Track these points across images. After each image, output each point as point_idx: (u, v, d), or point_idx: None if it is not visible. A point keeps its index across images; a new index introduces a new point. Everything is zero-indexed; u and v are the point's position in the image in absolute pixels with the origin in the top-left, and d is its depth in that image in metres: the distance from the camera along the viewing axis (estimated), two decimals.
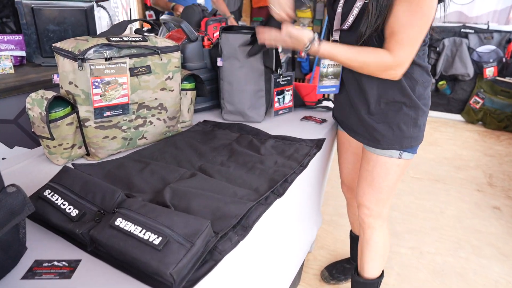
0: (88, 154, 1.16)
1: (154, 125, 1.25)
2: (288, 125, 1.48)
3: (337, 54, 1.09)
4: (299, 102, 1.66)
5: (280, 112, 1.57)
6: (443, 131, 3.90)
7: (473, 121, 4.07)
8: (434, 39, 3.93)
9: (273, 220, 0.97)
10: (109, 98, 1.09)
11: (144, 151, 1.19)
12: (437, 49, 3.92)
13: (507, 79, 3.81)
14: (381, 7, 1.00)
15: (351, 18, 1.09)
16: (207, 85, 1.46)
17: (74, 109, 1.08)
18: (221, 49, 1.42)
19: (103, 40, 1.06)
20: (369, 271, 1.46)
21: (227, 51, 1.40)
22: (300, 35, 1.10)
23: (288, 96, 1.57)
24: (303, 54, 1.13)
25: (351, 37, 1.12)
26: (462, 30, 3.89)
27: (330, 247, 2.06)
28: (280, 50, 3.40)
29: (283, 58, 4.28)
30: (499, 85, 3.87)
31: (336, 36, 1.19)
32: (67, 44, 1.05)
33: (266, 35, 1.15)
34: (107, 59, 1.05)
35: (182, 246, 0.68)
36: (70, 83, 1.06)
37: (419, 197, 2.62)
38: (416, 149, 1.23)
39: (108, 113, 1.11)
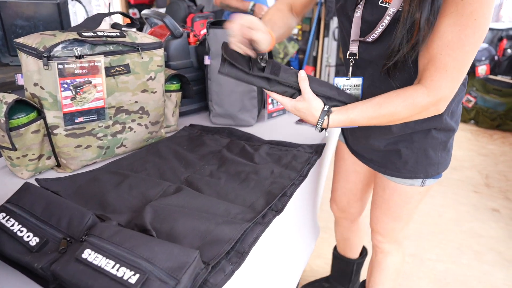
0: (58, 165, 1.03)
1: (135, 131, 1.11)
2: (283, 128, 1.36)
3: (356, 118, 0.85)
4: None
5: (274, 114, 1.45)
6: None
7: (465, 120, 4.01)
8: None
9: (272, 240, 0.85)
10: (81, 102, 0.95)
11: (122, 161, 1.05)
12: None
13: (499, 78, 3.76)
14: (425, 12, 0.73)
15: (379, 29, 0.83)
16: (193, 86, 1.33)
17: (41, 114, 0.94)
18: (208, 46, 1.29)
19: (74, 35, 0.92)
20: None
21: (215, 48, 1.27)
22: (307, 110, 0.86)
23: None
24: (317, 128, 0.89)
25: (375, 50, 0.88)
26: None
27: (327, 255, 1.95)
28: None
29: None
30: (491, 83, 3.81)
31: (354, 48, 0.93)
32: (31, 40, 0.91)
33: (274, 95, 0.90)
34: (78, 56, 0.91)
35: (164, 284, 0.56)
36: (35, 84, 0.91)
37: None
38: (442, 173, 1.04)
39: (80, 119, 0.97)
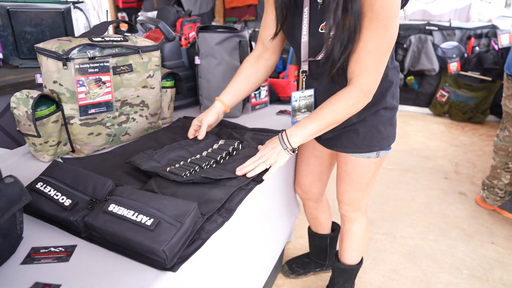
0: (73, 151, 1.20)
1: (137, 122, 1.30)
2: (265, 118, 1.55)
3: (312, 132, 1.07)
4: (274, 97, 1.74)
5: (257, 107, 1.64)
6: (413, 124, 4.08)
7: (440, 114, 4.27)
8: (401, 36, 4.10)
9: (254, 204, 1.04)
10: (93, 96, 1.13)
11: (127, 147, 1.24)
12: (404, 45, 4.09)
13: (469, 73, 4.03)
14: (349, 33, 0.97)
15: (326, 50, 1.05)
16: (185, 83, 1.52)
17: (59, 107, 1.12)
18: (198, 48, 1.48)
19: (86, 40, 1.11)
20: (349, 258, 1.54)
21: (204, 50, 1.46)
22: (271, 141, 1.09)
23: (263, 92, 1.65)
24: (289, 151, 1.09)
25: (322, 65, 1.11)
26: (427, 27, 4.09)
27: None
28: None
29: None
30: (462, 79, 4.08)
31: (305, 66, 1.17)
32: (50, 45, 1.09)
33: (247, 168, 1.04)
34: (90, 58, 1.10)
35: (172, 226, 0.75)
36: (55, 82, 1.09)
37: (391, 186, 2.75)
38: (391, 145, 1.27)
39: (92, 111, 1.15)
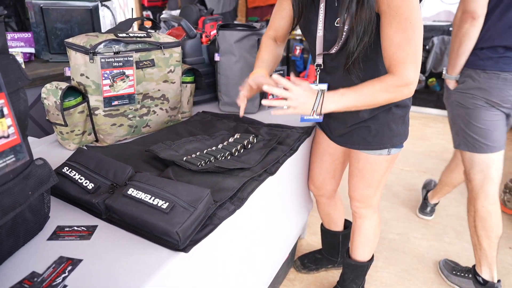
0: (97, 140, 1.27)
1: (157, 114, 1.36)
2: (281, 116, 1.59)
3: (347, 104, 1.04)
4: None
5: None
6: (432, 126, 4.03)
7: None
8: (423, 38, 4.06)
9: (266, 195, 1.08)
10: (117, 88, 1.20)
11: (148, 138, 1.30)
12: (427, 47, 4.04)
13: None
14: (365, 25, 1.00)
15: (340, 43, 1.09)
16: (205, 79, 1.57)
17: (85, 98, 1.19)
18: (218, 45, 1.53)
19: (112, 36, 1.17)
20: (360, 255, 1.56)
21: (224, 47, 1.51)
22: (308, 93, 1.03)
23: None
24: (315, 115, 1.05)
25: (337, 58, 1.15)
26: (451, 28, 4.01)
27: None
28: None
29: None
30: None
31: (319, 60, 1.20)
32: (78, 40, 1.16)
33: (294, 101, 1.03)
34: (115, 53, 1.16)
35: (186, 210, 0.79)
36: (82, 75, 1.16)
37: (407, 187, 2.74)
38: (403, 143, 1.28)
39: (116, 102, 1.22)
